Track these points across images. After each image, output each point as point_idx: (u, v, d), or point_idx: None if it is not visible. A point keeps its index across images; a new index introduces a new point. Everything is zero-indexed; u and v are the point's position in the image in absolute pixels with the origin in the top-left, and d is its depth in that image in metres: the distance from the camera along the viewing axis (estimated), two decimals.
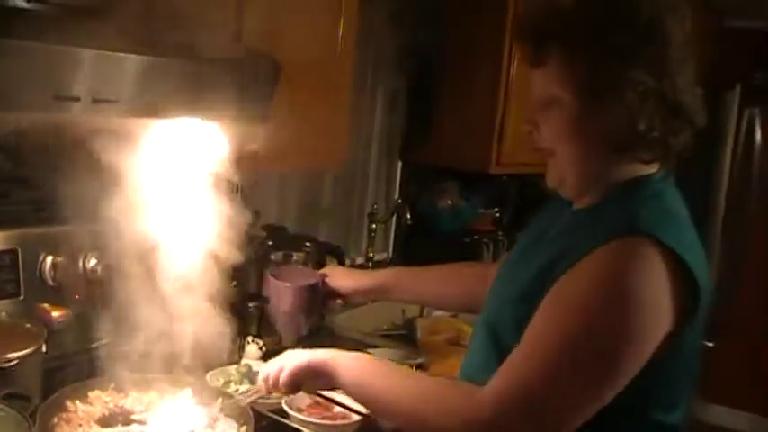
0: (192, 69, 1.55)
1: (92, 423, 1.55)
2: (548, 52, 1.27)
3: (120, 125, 1.58)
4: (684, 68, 1.24)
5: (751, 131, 3.99)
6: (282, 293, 1.96)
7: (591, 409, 1.18)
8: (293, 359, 1.49)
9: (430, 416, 1.28)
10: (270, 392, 1.58)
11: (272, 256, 2.31)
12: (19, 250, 1.78)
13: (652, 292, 1.16)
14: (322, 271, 2.02)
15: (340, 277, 1.97)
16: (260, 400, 1.67)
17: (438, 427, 1.28)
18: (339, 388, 1.46)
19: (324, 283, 1.96)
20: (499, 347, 1.33)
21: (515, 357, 1.23)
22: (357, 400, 1.48)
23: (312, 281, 1.96)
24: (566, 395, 1.18)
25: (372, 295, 2.02)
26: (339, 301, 1.99)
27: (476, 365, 1.44)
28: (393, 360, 2.16)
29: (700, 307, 1.20)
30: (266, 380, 1.53)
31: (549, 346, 1.19)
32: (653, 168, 1.31)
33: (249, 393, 1.65)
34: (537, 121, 1.33)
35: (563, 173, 1.33)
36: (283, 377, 1.49)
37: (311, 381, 1.49)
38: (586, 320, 1.17)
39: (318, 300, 1.96)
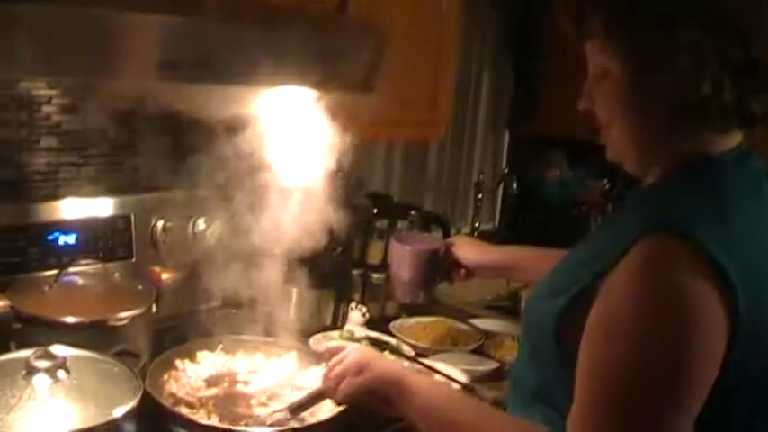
0: (297, 37, 1.55)
1: (199, 382, 1.60)
2: (590, 25, 1.17)
3: (225, 93, 1.61)
4: (750, 17, 1.08)
5: None
6: (403, 257, 1.87)
7: None
8: (361, 376, 1.37)
9: None
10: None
11: (377, 224, 2.31)
12: (132, 215, 1.86)
13: (692, 303, 0.99)
14: (450, 240, 1.94)
15: (467, 248, 1.84)
16: None
17: None
18: (403, 417, 1.34)
19: (448, 251, 1.86)
20: (532, 347, 1.23)
21: (577, 405, 1.08)
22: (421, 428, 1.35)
23: (434, 246, 1.88)
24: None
25: (497, 271, 1.89)
26: (463, 272, 1.86)
27: (519, 364, 1.33)
28: (494, 330, 2.16)
29: (744, 318, 1.01)
30: (327, 377, 1.43)
31: (602, 387, 1.04)
32: (732, 141, 1.16)
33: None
34: (593, 96, 1.22)
35: (620, 148, 1.22)
36: (344, 388, 1.38)
37: (372, 403, 1.38)
38: (635, 350, 1.02)
39: (440, 268, 1.86)
